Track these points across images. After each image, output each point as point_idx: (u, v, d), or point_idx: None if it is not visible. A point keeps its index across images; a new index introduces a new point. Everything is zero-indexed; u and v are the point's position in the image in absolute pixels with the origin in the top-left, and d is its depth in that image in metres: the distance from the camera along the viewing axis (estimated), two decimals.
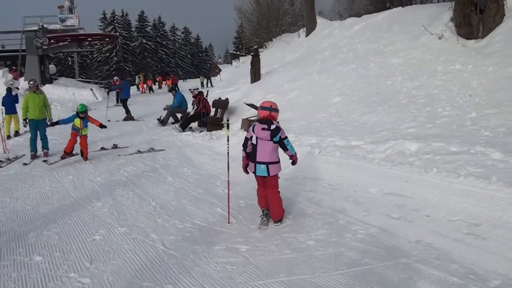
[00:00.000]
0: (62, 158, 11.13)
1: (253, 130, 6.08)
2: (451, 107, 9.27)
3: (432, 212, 5.88)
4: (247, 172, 6.36)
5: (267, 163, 6.01)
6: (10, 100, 16.29)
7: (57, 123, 11.55)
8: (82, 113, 11.14)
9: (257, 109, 11.94)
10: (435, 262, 4.61)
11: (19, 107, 16.13)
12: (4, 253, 5.59)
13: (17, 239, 6.06)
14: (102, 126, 12.02)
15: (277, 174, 6.15)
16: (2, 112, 15.27)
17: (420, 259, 4.72)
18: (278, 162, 6.11)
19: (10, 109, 16.06)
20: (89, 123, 11.50)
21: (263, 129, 5.97)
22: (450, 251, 4.83)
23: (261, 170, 6.03)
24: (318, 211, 6.54)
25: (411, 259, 4.73)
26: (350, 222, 6.00)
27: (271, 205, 6.15)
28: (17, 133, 16.21)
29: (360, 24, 20.47)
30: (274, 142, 6.01)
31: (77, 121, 11.10)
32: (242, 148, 6.30)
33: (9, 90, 16.92)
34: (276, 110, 6.10)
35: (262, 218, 6.17)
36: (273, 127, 5.96)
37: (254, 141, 6.10)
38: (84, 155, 11.42)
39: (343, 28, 21.81)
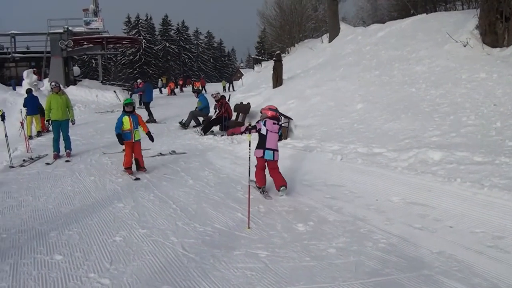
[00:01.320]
0: (129, 173, 9.72)
1: (264, 125, 7.78)
2: (475, 116, 9.15)
3: (455, 223, 5.80)
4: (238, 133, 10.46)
5: (274, 150, 7.84)
6: (32, 102, 16.63)
7: (119, 136, 9.86)
8: (128, 106, 9.95)
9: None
10: (458, 275, 4.54)
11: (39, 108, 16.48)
12: (25, 251, 5.66)
13: (38, 237, 6.13)
14: (149, 135, 10.38)
15: None
16: (22, 113, 15.59)
17: (442, 271, 4.65)
18: (278, 150, 8.01)
19: (32, 110, 16.41)
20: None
21: (274, 123, 7.84)
22: (473, 263, 4.76)
23: (269, 154, 7.79)
24: (339, 218, 6.50)
25: (433, 271, 4.67)
26: (371, 230, 5.94)
27: (278, 177, 7.81)
28: (39, 133, 16.47)
29: (384, 31, 20.37)
30: (278, 134, 8.00)
31: (126, 120, 9.82)
32: (246, 129, 7.96)
33: (29, 91, 17.26)
34: (278, 111, 8.36)
35: (265, 192, 7.91)
36: (280, 123, 8.22)
37: (264, 132, 7.78)
38: (140, 164, 10.04)
39: (367, 34, 21.73)
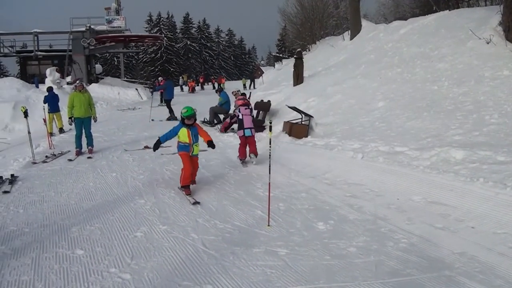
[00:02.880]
0: (187, 194, 7.87)
1: (239, 111, 10.55)
2: (498, 114, 9.01)
3: (477, 223, 5.73)
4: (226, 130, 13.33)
5: (250, 128, 10.40)
6: (53, 100, 17.08)
7: (158, 142, 8.46)
8: (189, 119, 8.13)
9: (300, 112, 11.99)
10: (479, 276, 4.49)
11: (61, 105, 16.78)
12: (47, 245, 5.76)
13: (60, 232, 6.24)
14: (211, 144, 8.35)
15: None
16: (45, 110, 15.92)
17: (463, 272, 4.60)
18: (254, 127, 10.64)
19: (53, 108, 16.87)
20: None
21: (245, 108, 10.58)
22: (495, 265, 4.70)
23: (248, 132, 10.33)
24: (360, 217, 6.47)
25: (454, 272, 4.62)
26: (392, 230, 5.90)
27: (252, 147, 10.39)
28: (61, 130, 16.75)
29: (406, 28, 20.15)
30: (251, 116, 10.63)
31: (184, 133, 8.14)
32: (230, 119, 11.31)
33: (50, 89, 17.67)
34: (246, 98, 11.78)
35: (247, 161, 10.51)
36: (251, 107, 10.95)
37: (240, 117, 10.45)
38: (192, 177, 8.35)
39: (389, 31, 21.53)
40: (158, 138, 8.44)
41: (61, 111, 17.16)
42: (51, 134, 15.34)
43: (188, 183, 8.01)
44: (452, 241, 5.38)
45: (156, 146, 8.49)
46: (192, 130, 8.19)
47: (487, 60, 11.93)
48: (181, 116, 8.23)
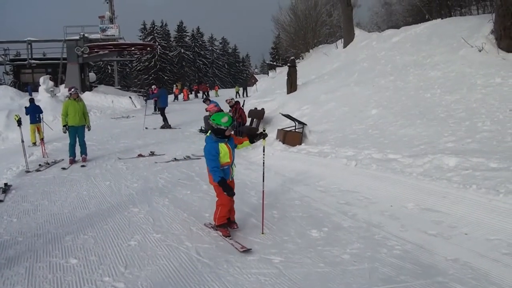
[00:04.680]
0: (225, 235, 6.13)
1: None
2: (491, 121, 9.07)
3: (470, 230, 5.75)
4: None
5: None
6: (34, 111, 17.17)
7: (224, 181, 5.90)
8: (229, 128, 5.96)
9: (293, 120, 12.04)
10: (472, 283, 4.50)
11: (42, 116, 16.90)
12: (41, 254, 5.73)
13: (53, 241, 6.21)
14: (260, 135, 6.44)
15: None
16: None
17: (457, 278, 4.61)
18: None
19: (34, 119, 16.92)
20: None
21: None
22: (488, 271, 4.71)
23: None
24: (353, 224, 6.47)
25: (447, 278, 4.63)
26: (385, 237, 5.91)
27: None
28: (42, 141, 16.87)
29: (399, 36, 20.31)
30: None
31: (225, 150, 6.02)
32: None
33: (32, 100, 17.91)
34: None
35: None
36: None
37: None
38: (231, 218, 6.51)
39: (382, 40, 21.67)
40: (220, 179, 5.87)
41: (41, 122, 17.13)
42: (34, 144, 15.87)
43: (225, 222, 6.34)
44: (445, 247, 5.39)
45: (228, 187, 5.95)
46: (230, 143, 6.16)
47: (479, 68, 12.03)
48: (217, 128, 5.96)
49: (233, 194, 6.06)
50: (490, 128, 8.81)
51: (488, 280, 4.53)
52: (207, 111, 12.97)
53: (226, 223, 6.32)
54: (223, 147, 5.99)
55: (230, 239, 6.04)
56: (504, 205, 5.81)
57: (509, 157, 7.15)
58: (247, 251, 5.61)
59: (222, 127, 5.89)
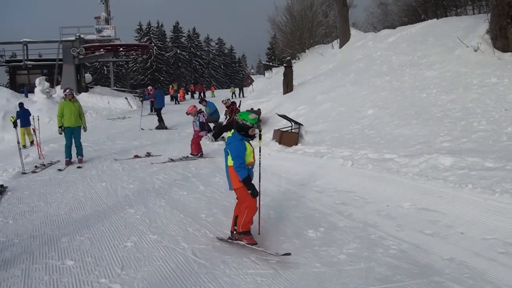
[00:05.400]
0: (251, 243, 5.70)
1: (203, 116, 12.92)
2: (486, 121, 9.10)
3: (466, 229, 5.76)
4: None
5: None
6: (24, 114, 17.27)
7: (249, 179, 5.73)
8: (254, 126, 5.86)
9: (289, 120, 12.04)
10: (469, 282, 4.51)
11: (32, 120, 16.97)
12: (37, 256, 5.72)
13: (49, 243, 6.20)
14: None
15: None
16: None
17: (453, 277, 4.62)
18: None
19: (25, 122, 16.99)
20: None
21: (203, 115, 13.05)
22: (484, 270, 4.72)
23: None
24: (350, 224, 6.48)
25: (443, 277, 4.64)
26: (382, 237, 5.92)
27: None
28: (32, 143, 16.94)
29: (395, 36, 20.33)
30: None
31: (250, 150, 5.86)
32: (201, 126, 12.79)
33: (21, 105, 17.94)
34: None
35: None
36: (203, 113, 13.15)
37: (203, 121, 12.83)
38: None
39: (377, 40, 21.70)
40: (247, 176, 5.70)
41: (30, 125, 17.11)
42: (24, 146, 15.87)
43: (249, 228, 5.91)
44: (441, 247, 5.40)
45: (253, 186, 5.74)
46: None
47: (475, 67, 12.06)
48: (242, 123, 5.81)
49: (257, 194, 5.76)
50: (486, 127, 8.83)
51: (484, 279, 4.54)
52: (187, 113, 13.45)
53: (249, 230, 5.87)
54: (248, 146, 5.83)
55: (258, 247, 5.66)
56: (500, 204, 5.82)
57: (504, 157, 7.17)
58: (287, 254, 5.27)
59: (248, 123, 5.74)
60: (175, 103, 41.33)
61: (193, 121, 12.89)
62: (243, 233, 5.82)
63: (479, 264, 4.85)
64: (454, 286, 4.45)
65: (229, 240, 5.98)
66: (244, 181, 5.68)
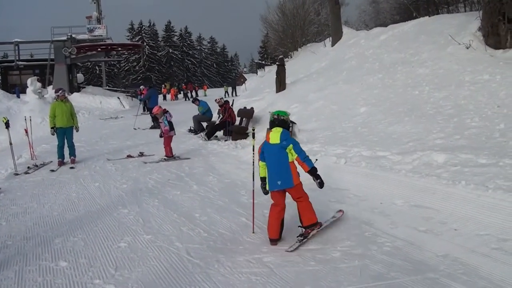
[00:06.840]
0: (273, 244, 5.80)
1: (170, 116, 12.67)
2: (479, 118, 9.12)
3: (460, 225, 5.78)
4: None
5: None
6: None
7: (316, 170, 6.02)
8: (283, 122, 6.22)
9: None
10: (463, 278, 4.53)
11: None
12: (30, 258, 5.70)
13: (43, 244, 6.18)
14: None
15: None
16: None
17: (447, 274, 4.63)
18: None
19: None
20: None
21: (169, 114, 12.66)
22: (478, 266, 4.74)
23: (174, 132, 12.88)
24: (344, 222, 6.49)
25: (438, 274, 4.65)
26: (376, 234, 5.94)
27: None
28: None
29: (387, 34, 20.34)
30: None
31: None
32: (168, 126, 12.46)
33: None
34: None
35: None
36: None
37: (171, 120, 12.67)
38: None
39: (369, 38, 21.71)
40: (312, 167, 6.01)
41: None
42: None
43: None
44: (435, 243, 5.42)
45: (319, 175, 6.04)
46: None
47: (467, 64, 12.08)
48: (287, 119, 6.25)
49: (324, 184, 6.01)
50: (479, 124, 8.86)
51: (478, 275, 4.56)
52: (152, 113, 14.07)
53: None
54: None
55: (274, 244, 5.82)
56: (493, 201, 5.85)
57: (497, 153, 7.19)
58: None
59: (287, 117, 6.17)
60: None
61: (161, 122, 12.60)
62: (315, 223, 5.96)
63: (473, 260, 4.87)
64: (448, 282, 4.46)
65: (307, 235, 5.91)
66: (313, 169, 5.93)
